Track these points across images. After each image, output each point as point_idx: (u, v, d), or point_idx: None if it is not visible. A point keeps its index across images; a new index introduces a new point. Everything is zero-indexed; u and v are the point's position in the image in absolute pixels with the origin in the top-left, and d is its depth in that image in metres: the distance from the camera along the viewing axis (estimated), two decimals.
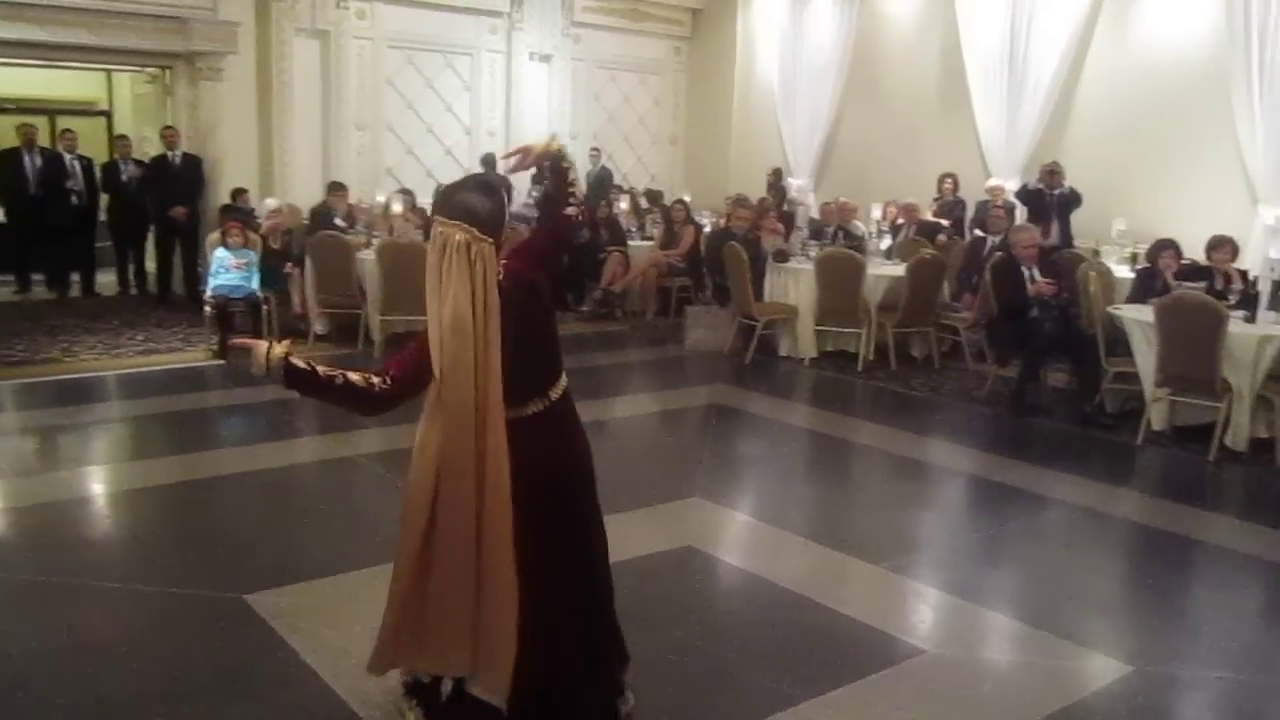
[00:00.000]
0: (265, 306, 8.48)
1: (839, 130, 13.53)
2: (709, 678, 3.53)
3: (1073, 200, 9.60)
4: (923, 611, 4.19)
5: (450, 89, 12.71)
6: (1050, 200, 9.67)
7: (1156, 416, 6.77)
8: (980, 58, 11.80)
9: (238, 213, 9.56)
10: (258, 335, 8.30)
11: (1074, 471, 6.13)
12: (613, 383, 8.31)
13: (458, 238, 2.60)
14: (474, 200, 2.67)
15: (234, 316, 8.42)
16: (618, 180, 13.57)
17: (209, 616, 3.86)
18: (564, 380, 2.97)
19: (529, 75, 13.24)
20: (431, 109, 12.62)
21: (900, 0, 12.84)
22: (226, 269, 8.35)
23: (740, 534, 5.05)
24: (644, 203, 12.79)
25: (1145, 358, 6.80)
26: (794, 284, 8.97)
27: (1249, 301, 6.84)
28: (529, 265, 2.90)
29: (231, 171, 10.88)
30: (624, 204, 11.57)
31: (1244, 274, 7.75)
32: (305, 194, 11.06)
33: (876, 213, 11.18)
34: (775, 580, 4.39)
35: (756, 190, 13.34)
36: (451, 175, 12.36)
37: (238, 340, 2.81)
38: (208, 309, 8.45)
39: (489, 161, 12.36)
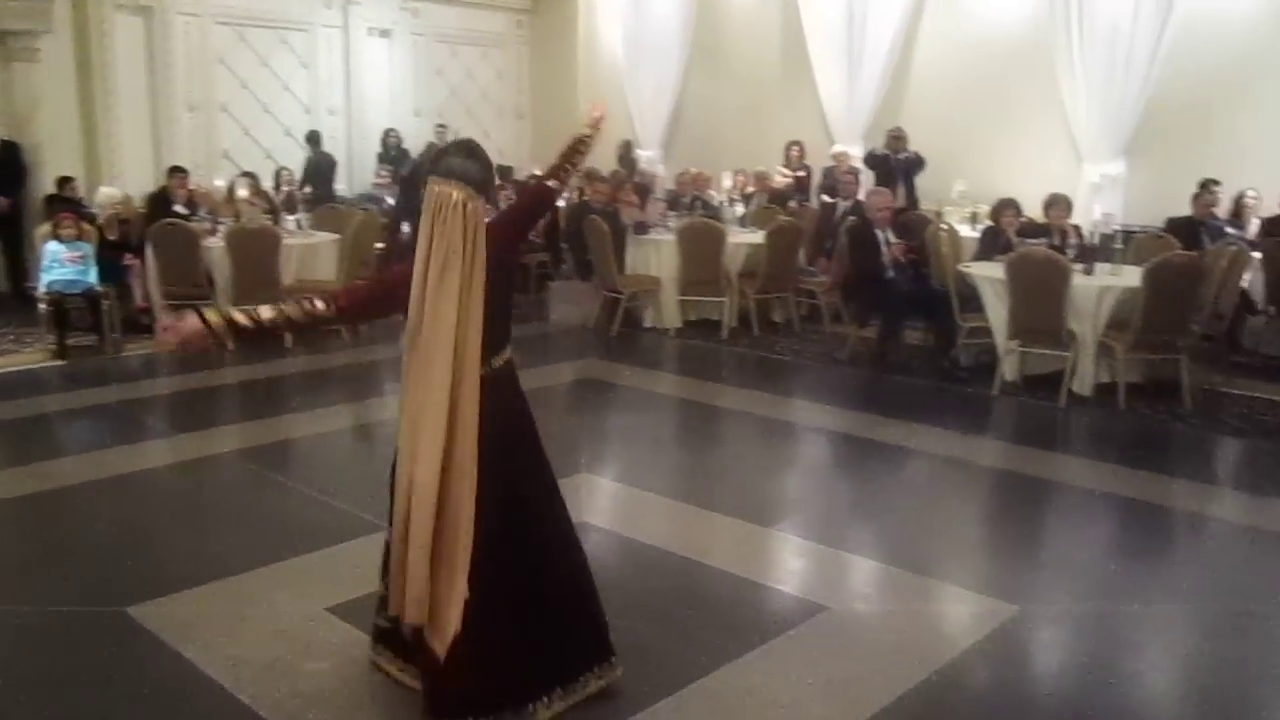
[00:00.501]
0: (104, 301, 7.98)
1: (685, 101, 13.64)
2: (625, 653, 3.51)
3: (917, 164, 9.96)
4: (818, 569, 4.30)
5: (286, 67, 12.21)
6: (896, 164, 10.02)
7: (1009, 368, 7.13)
8: (820, 26, 12.08)
9: (66, 203, 8.96)
10: (98, 331, 7.89)
11: (937, 424, 6.40)
12: None
13: (455, 195, 2.77)
14: (466, 163, 2.85)
15: (70, 313, 7.91)
16: None
17: (94, 634, 3.63)
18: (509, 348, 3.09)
19: (369, 51, 12.85)
20: (267, 88, 12.10)
21: None
22: (60, 263, 7.82)
23: (632, 507, 5.08)
24: (496, 179, 12.59)
25: (996, 312, 7.14)
26: (656, 255, 9.02)
27: (1086, 255, 7.26)
28: (506, 231, 3.07)
29: (54, 158, 10.18)
30: None
31: (1077, 229, 8.23)
32: (136, 180, 10.45)
33: (727, 182, 11.34)
34: (674, 550, 4.43)
35: (606, 163, 13.33)
36: (293, 156, 11.95)
37: (167, 325, 2.90)
38: (42, 306, 7.90)
39: (314, 139, 11.96)
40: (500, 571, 2.93)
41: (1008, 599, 3.94)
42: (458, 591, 2.83)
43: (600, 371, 7.71)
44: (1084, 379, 6.86)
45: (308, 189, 11.38)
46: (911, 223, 8.68)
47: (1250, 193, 8.87)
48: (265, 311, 2.89)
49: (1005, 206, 8.08)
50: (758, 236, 9.13)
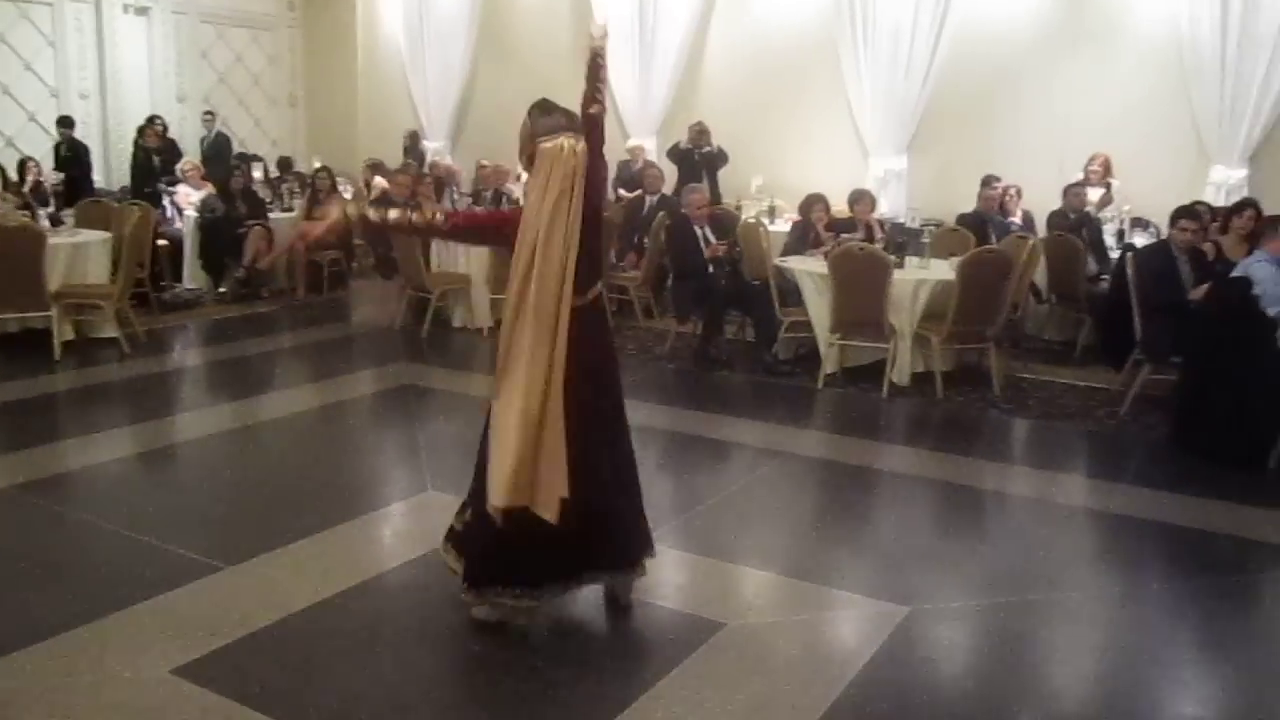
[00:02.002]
0: None
1: (474, 90, 13.24)
2: (527, 693, 3.27)
3: (720, 158, 10.03)
4: (702, 583, 4.15)
5: (29, 45, 10.94)
6: (698, 159, 10.05)
7: (830, 360, 7.26)
8: (611, 19, 11.96)
9: None
10: None
11: (768, 419, 6.43)
12: (282, 372, 7.58)
13: (565, 145, 3.20)
14: (554, 118, 3.29)
15: None
16: (237, 147, 12.41)
17: None
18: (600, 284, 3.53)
19: (125, 30, 11.71)
20: (7, 68, 10.78)
21: None
22: None
23: None
24: (274, 170, 11.77)
25: (817, 306, 7.26)
26: (465, 252, 8.64)
27: (896, 249, 7.49)
28: (597, 168, 3.38)
29: None
30: (258, 173, 10.55)
31: (881, 223, 8.52)
32: None
33: (524, 174, 11.06)
34: None
35: (391, 155, 12.76)
36: (41, 144, 10.70)
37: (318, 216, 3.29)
38: None
39: (67, 123, 10.80)
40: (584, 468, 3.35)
41: (896, 600, 3.93)
42: (561, 472, 3.26)
43: (417, 376, 7.29)
44: (902, 369, 7.08)
45: (59, 177, 10.21)
46: (723, 218, 8.72)
47: (1011, 189, 9.45)
48: (392, 212, 3.44)
49: (814, 201, 8.25)
50: None
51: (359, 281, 9.24)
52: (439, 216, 3.46)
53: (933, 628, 3.77)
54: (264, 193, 10.35)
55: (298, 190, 10.67)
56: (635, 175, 11.35)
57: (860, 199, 8.31)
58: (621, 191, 11.27)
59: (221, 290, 9.58)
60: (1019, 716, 3.26)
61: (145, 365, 7.33)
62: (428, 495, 4.95)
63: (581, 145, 3.22)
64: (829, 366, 7.24)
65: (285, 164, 12.13)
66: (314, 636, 3.59)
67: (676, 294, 8.01)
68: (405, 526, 4.64)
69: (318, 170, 10.09)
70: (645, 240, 9.34)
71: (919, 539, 4.75)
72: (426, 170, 11.65)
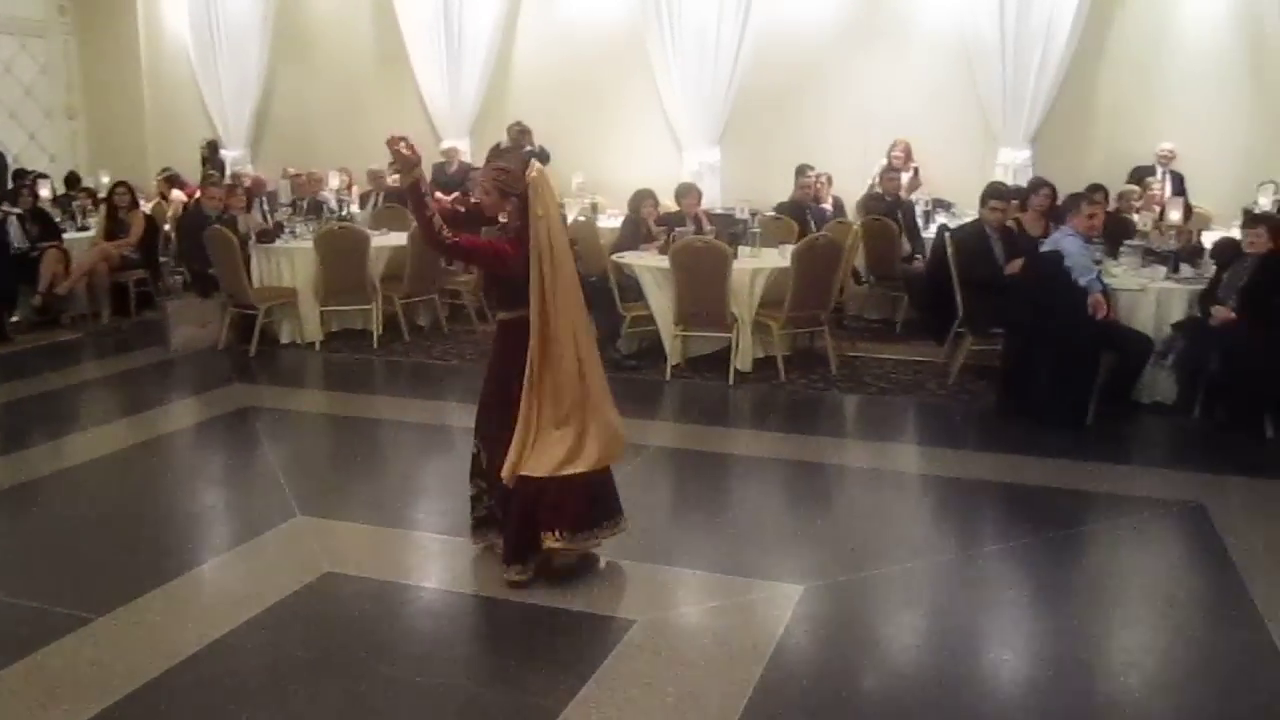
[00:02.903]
0: None
1: (272, 96, 12.76)
2: (452, 710, 3.22)
3: (542, 157, 9.99)
4: (601, 582, 4.15)
5: None
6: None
7: (675, 353, 7.41)
8: (416, 21, 11.79)
9: None
10: None
11: (625, 415, 6.39)
12: (103, 404, 7.11)
13: (539, 169, 3.86)
14: (523, 151, 3.91)
15: None
16: (11, 164, 11.47)
17: None
18: None
19: None
20: None
21: None
22: None
23: (370, 544, 4.61)
24: (61, 188, 10.95)
25: (658, 300, 7.38)
26: (289, 264, 8.31)
27: (731, 240, 7.70)
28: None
29: None
30: (45, 191, 9.79)
31: (709, 215, 8.73)
32: None
33: (334, 181, 10.75)
34: (448, 587, 4.12)
35: (186, 165, 12.12)
36: None
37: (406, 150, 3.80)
38: None
39: None
40: None
41: (790, 580, 4.09)
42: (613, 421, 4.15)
43: (254, 397, 6.96)
44: (745, 356, 7.30)
45: None
46: None
47: (823, 177, 9.91)
48: (429, 199, 3.81)
49: (644, 197, 8.37)
50: (393, 239, 8.73)
51: (172, 302, 8.71)
52: (445, 232, 3.77)
53: (830, 602, 3.94)
54: (53, 212, 9.62)
55: (91, 208, 9.96)
56: (453, 178, 11.21)
57: (687, 192, 8.48)
58: (439, 195, 11.09)
59: (15, 319, 8.86)
60: (928, 674, 3.47)
61: None
62: (299, 520, 4.76)
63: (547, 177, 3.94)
64: (674, 358, 7.39)
65: (73, 180, 11.30)
66: (213, 681, 3.41)
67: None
68: (282, 555, 4.44)
69: (115, 186, 9.44)
70: None
71: (791, 519, 4.95)
72: (230, 181, 11.13)
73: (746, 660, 3.48)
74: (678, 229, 7.83)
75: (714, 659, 3.52)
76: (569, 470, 3.95)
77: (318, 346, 8.25)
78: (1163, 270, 6.64)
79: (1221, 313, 6.00)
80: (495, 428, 4.08)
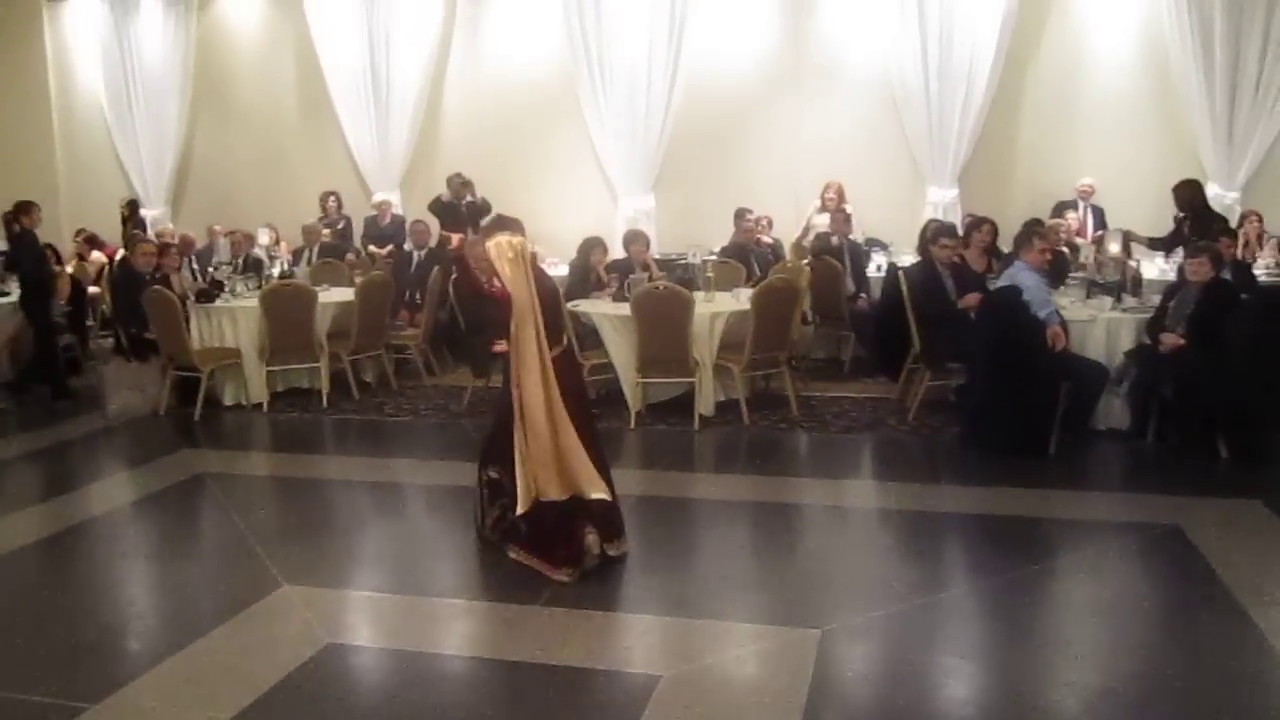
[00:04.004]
0: None
1: (193, 152, 12.49)
2: None
3: (484, 209, 9.95)
4: (615, 639, 4.10)
5: None
6: (463, 211, 9.94)
7: (636, 399, 7.39)
8: (341, 70, 11.68)
9: None
10: None
11: None
12: (44, 475, 6.79)
13: (502, 240, 4.51)
14: (489, 227, 4.75)
15: None
16: None
17: None
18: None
19: None
20: None
21: (244, 7, 12.14)
22: None
23: (369, 611, 4.47)
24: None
25: (618, 347, 7.37)
26: (231, 324, 8.08)
27: (686, 285, 7.74)
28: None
29: None
30: None
31: (656, 261, 8.79)
32: None
33: (264, 237, 10.52)
34: (462, 652, 4.01)
35: (104, 226, 11.75)
36: None
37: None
38: None
39: None
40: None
41: (805, 625, 4.07)
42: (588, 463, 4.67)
43: (205, 463, 6.71)
44: (707, 400, 7.32)
45: None
46: None
47: (764, 219, 10.11)
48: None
49: (594, 245, 8.40)
50: (338, 294, 8.57)
51: (106, 366, 8.38)
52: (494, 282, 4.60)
53: (853, 644, 3.95)
54: None
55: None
56: (384, 231, 11.09)
57: (635, 239, 8.53)
58: (372, 248, 10.97)
59: None
60: (974, 713, 3.48)
61: None
62: (286, 591, 4.59)
63: (519, 239, 4.55)
64: (636, 405, 7.37)
65: None
66: None
67: (469, 348, 7.87)
68: (275, 629, 4.26)
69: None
70: (419, 297, 9.15)
71: (786, 561, 4.93)
72: (162, 239, 10.81)
73: (784, 709, 3.45)
74: (631, 276, 7.86)
75: (749, 709, 3.48)
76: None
77: (265, 408, 8.02)
78: (1109, 301, 6.88)
79: (1171, 339, 6.23)
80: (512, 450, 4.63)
